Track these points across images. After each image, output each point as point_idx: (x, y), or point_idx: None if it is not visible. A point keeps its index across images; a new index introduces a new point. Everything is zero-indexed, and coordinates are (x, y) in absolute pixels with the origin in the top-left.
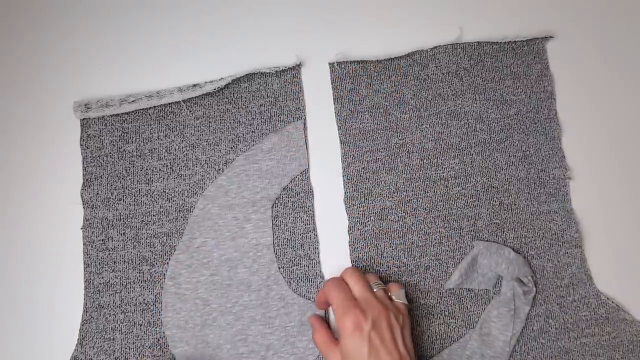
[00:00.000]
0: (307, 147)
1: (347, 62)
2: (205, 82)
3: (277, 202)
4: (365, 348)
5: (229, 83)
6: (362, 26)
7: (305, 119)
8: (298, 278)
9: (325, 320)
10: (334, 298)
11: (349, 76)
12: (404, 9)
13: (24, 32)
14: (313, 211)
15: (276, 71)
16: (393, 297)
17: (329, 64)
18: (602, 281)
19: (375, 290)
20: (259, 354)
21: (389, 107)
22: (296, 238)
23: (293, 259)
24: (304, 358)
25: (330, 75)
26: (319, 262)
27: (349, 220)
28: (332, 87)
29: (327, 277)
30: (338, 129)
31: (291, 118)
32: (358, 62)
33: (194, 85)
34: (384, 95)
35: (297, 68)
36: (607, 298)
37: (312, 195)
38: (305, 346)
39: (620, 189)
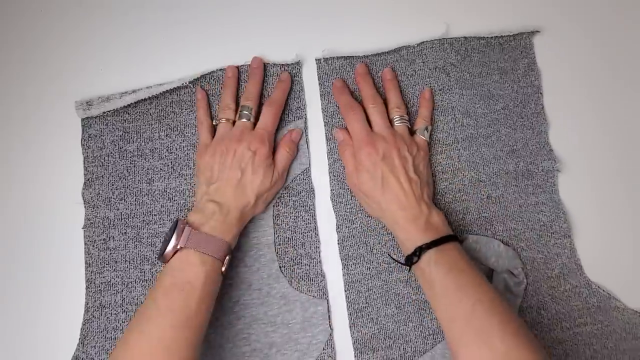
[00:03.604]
0: (308, 146)
1: (333, 58)
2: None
3: (278, 201)
4: (378, 177)
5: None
6: (348, 22)
7: (306, 118)
8: (299, 277)
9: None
10: (353, 131)
11: (336, 72)
12: (391, 5)
13: (25, 32)
14: (314, 210)
15: (276, 70)
16: (416, 132)
17: (316, 60)
18: (593, 270)
19: (396, 125)
20: (262, 352)
21: None
22: (297, 237)
23: (294, 258)
24: (308, 354)
25: (317, 72)
26: (319, 262)
27: (336, 218)
28: (319, 83)
29: (328, 276)
30: (324, 126)
31: (292, 117)
32: (345, 58)
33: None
34: None
35: (297, 66)
36: (598, 287)
37: (314, 194)
38: (308, 342)
39: (606, 178)
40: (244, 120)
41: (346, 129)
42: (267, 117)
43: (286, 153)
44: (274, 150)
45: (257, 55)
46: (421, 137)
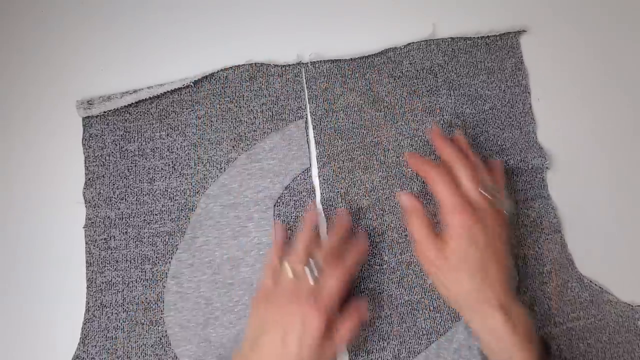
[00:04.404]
0: (308, 145)
1: (320, 61)
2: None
3: (279, 201)
4: (472, 249)
5: (228, 74)
6: (348, 22)
7: (307, 118)
8: None
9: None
10: (442, 192)
11: (323, 75)
12: (377, 6)
13: (26, 32)
14: (315, 210)
15: (277, 70)
16: (503, 206)
17: (303, 64)
18: (584, 265)
19: (486, 192)
20: None
21: (363, 106)
22: None
23: None
24: None
25: (305, 76)
26: None
27: (327, 222)
28: (307, 87)
29: None
30: (313, 129)
31: (293, 117)
32: (332, 61)
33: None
34: (359, 93)
35: (298, 67)
36: (590, 281)
37: (314, 194)
38: None
39: (595, 172)
40: (306, 276)
41: (410, 193)
42: (332, 279)
43: (351, 328)
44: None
45: (258, 55)
46: (504, 211)
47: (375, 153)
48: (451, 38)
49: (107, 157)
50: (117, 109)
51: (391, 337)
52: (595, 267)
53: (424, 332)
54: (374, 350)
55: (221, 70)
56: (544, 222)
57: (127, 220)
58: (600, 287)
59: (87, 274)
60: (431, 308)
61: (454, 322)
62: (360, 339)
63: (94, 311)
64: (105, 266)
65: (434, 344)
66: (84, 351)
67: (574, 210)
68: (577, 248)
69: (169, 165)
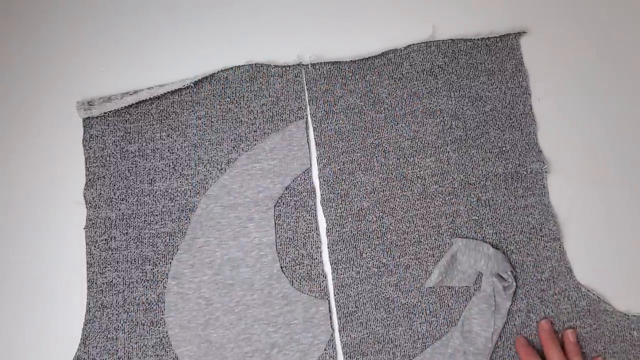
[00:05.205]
0: (309, 146)
1: (321, 63)
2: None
3: (279, 201)
4: None
5: (228, 75)
6: (334, 25)
7: (307, 118)
8: (300, 277)
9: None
10: None
11: (324, 77)
12: (377, 8)
13: (27, 33)
14: (315, 210)
15: (277, 71)
16: None
17: (303, 65)
18: (582, 273)
19: None
20: (264, 352)
21: (364, 107)
22: (298, 237)
23: (295, 258)
24: (310, 354)
25: (305, 77)
26: (321, 262)
27: (326, 222)
28: (307, 89)
29: (329, 276)
30: (313, 131)
31: (293, 117)
32: (332, 63)
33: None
34: (359, 95)
35: (299, 67)
36: (588, 290)
37: (315, 194)
38: (310, 342)
39: (596, 180)
40: None
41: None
42: None
43: None
44: None
45: (258, 56)
46: None
47: (376, 155)
48: (451, 39)
49: (108, 158)
50: (118, 110)
51: (386, 340)
52: (594, 276)
53: (420, 336)
54: (369, 353)
55: (221, 70)
56: (543, 230)
57: (128, 221)
58: (597, 297)
59: (87, 274)
60: (428, 312)
61: (450, 327)
62: (355, 341)
63: (94, 312)
64: (105, 267)
65: (429, 348)
66: (84, 352)
67: (573, 218)
68: (575, 256)
69: (170, 166)
